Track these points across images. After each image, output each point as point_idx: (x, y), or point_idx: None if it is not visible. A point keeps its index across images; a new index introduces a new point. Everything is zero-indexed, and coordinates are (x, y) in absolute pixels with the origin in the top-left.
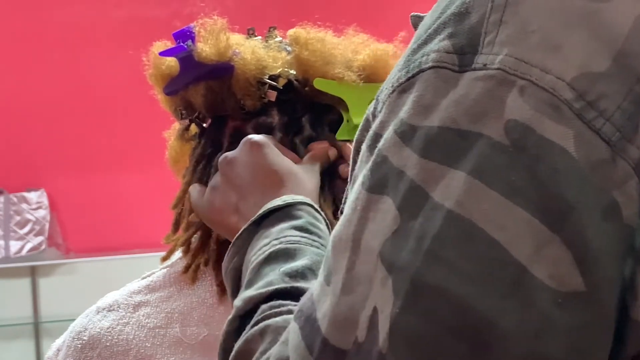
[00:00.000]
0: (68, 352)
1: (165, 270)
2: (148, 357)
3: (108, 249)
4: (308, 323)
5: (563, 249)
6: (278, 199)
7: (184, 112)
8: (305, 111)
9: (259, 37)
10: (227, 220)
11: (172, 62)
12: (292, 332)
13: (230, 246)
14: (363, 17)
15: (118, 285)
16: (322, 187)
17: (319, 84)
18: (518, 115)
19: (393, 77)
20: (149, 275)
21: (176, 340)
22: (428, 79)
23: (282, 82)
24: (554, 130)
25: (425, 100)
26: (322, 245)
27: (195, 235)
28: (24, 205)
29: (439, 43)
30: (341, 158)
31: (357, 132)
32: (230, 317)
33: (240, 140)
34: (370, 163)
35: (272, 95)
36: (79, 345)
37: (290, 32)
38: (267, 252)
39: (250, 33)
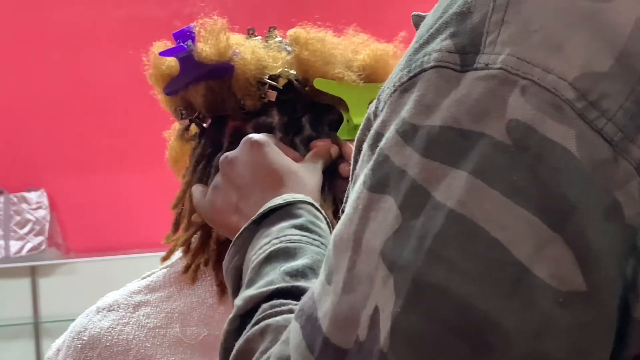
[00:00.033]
0: (68, 352)
1: (165, 270)
2: (148, 357)
3: (108, 249)
4: (309, 322)
5: (564, 248)
6: (278, 197)
7: (184, 112)
8: (305, 111)
9: (259, 37)
10: (228, 219)
11: (172, 62)
12: (293, 332)
13: (230, 245)
14: (363, 17)
15: (118, 285)
16: (322, 187)
17: (319, 84)
18: (520, 115)
19: (395, 76)
20: (149, 275)
21: (176, 340)
22: (430, 79)
23: (282, 82)
24: (555, 130)
25: (427, 99)
26: (322, 244)
27: (195, 235)
28: (24, 205)
29: (441, 43)
30: (341, 157)
31: (359, 132)
32: (231, 316)
33: (240, 140)
34: (371, 162)
35: (272, 95)
36: (79, 345)
37: (290, 32)
38: (267, 251)
39: (250, 33)
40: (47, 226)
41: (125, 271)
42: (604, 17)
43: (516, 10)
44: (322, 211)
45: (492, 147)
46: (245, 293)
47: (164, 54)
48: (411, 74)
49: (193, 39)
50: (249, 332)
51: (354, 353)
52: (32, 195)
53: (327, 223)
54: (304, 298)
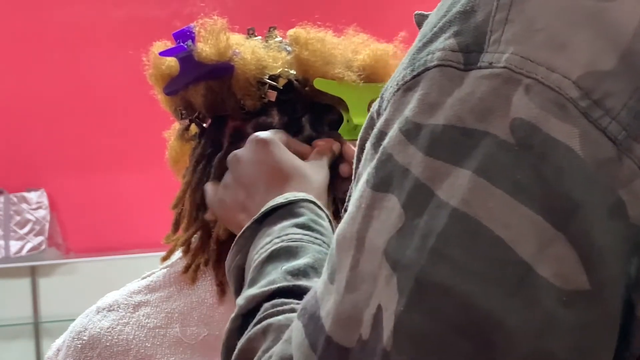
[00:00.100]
0: (68, 352)
1: (165, 270)
2: (148, 357)
3: (108, 249)
4: (312, 321)
5: (568, 247)
6: (280, 196)
7: (184, 112)
8: (305, 111)
9: (259, 37)
10: (236, 218)
11: (172, 62)
12: (296, 330)
13: (233, 244)
14: (363, 17)
15: (118, 285)
16: None
17: (319, 84)
18: (524, 113)
19: (398, 75)
20: (149, 275)
21: (176, 340)
22: (433, 78)
23: (282, 82)
24: (559, 128)
25: (430, 98)
26: (324, 242)
27: (195, 235)
28: (24, 205)
29: (445, 41)
30: (341, 157)
31: (362, 130)
32: (233, 315)
33: (240, 140)
34: (374, 161)
35: (272, 95)
36: (79, 345)
37: (290, 32)
38: (269, 251)
39: (250, 33)
40: (47, 226)
41: (125, 271)
42: (607, 16)
43: (520, 9)
44: (325, 209)
45: (495, 145)
46: (247, 292)
47: (164, 54)
48: (414, 73)
49: (193, 39)
50: (251, 331)
51: (357, 352)
52: (32, 195)
53: (329, 221)
54: (307, 297)
